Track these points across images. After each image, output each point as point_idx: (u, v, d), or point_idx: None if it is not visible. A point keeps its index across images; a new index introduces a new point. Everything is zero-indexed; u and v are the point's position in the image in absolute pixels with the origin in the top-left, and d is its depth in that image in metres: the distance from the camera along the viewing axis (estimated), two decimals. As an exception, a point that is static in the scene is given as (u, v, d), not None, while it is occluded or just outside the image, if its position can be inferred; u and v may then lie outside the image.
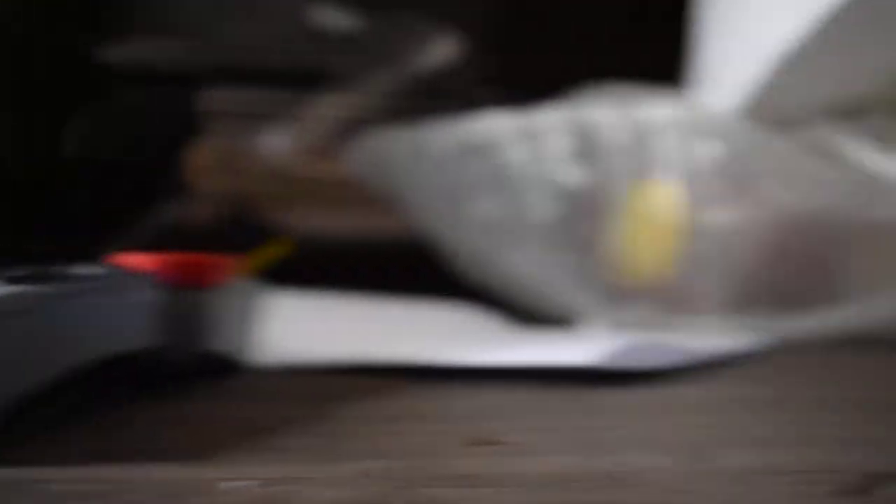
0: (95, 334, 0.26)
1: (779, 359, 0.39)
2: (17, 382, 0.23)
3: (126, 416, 0.26)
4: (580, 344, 0.34)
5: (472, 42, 0.57)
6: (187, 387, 0.29)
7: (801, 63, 0.42)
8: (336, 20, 0.58)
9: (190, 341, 0.30)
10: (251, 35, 0.58)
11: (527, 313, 0.45)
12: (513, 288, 0.45)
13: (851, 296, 0.42)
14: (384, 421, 0.26)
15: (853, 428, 0.26)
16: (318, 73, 0.57)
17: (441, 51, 0.57)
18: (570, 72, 0.51)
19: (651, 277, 0.43)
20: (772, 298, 0.43)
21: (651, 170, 0.43)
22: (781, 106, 0.44)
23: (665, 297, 0.43)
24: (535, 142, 0.44)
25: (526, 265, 0.44)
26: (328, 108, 0.56)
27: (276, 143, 0.56)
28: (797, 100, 0.44)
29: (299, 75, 0.57)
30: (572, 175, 0.44)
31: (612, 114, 0.43)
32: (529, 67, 0.57)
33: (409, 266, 0.48)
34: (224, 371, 0.32)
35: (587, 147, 0.44)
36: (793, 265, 0.43)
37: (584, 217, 0.44)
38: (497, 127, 0.45)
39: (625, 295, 0.43)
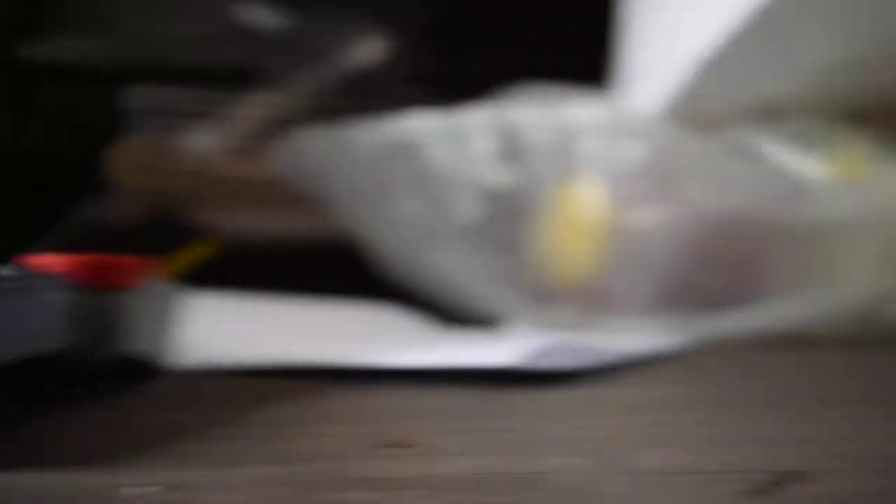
0: (4, 336, 0.25)
1: (698, 359, 0.39)
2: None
3: (27, 420, 0.25)
4: (500, 345, 0.34)
5: (402, 41, 0.57)
6: (99, 390, 0.29)
7: (722, 64, 0.42)
8: (264, 18, 0.58)
9: (104, 344, 0.29)
10: (178, 33, 0.57)
11: (451, 314, 0.44)
12: (437, 288, 0.45)
13: (770, 296, 0.43)
14: (296, 423, 0.26)
15: (764, 427, 0.26)
16: (246, 71, 0.57)
17: (370, 50, 0.57)
18: (499, 72, 0.51)
19: (574, 278, 0.43)
20: (693, 298, 0.43)
21: (575, 170, 0.43)
22: (704, 107, 0.44)
23: (588, 298, 0.43)
24: (459, 142, 0.44)
25: (450, 265, 0.44)
26: (255, 107, 0.56)
27: (202, 142, 0.55)
28: (719, 100, 0.44)
29: (226, 74, 0.57)
30: (497, 175, 0.44)
31: (537, 114, 0.43)
32: (458, 67, 0.57)
33: (335, 266, 0.48)
34: (141, 374, 0.31)
35: (512, 148, 0.43)
36: (714, 265, 0.43)
37: (508, 217, 0.44)
38: (422, 127, 0.45)
39: (548, 295, 0.43)
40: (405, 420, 0.26)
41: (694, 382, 0.34)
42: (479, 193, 0.44)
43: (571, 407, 0.29)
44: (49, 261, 0.28)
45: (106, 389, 0.29)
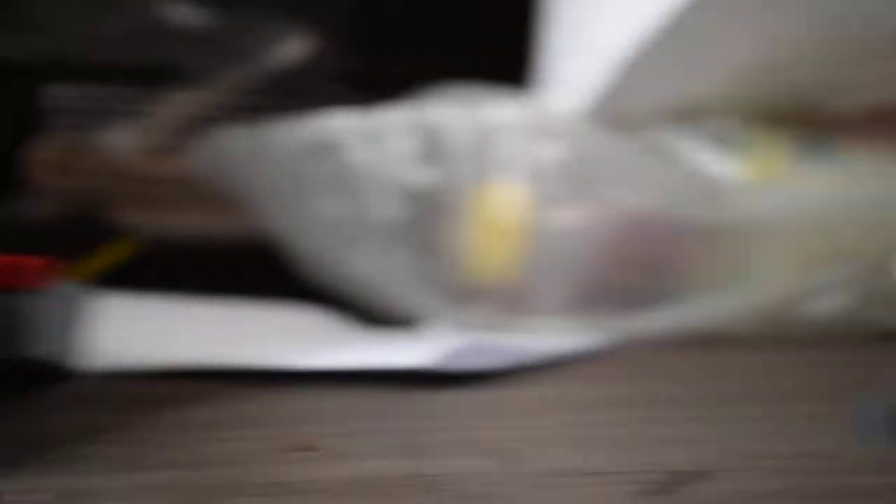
0: None
1: (614, 359, 0.39)
2: None
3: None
4: (415, 346, 0.34)
5: (326, 40, 0.57)
6: (2, 393, 0.28)
7: (641, 65, 0.42)
8: (186, 15, 0.57)
9: (6, 346, 0.29)
10: (98, 29, 0.57)
11: (371, 314, 0.44)
12: (357, 289, 0.45)
13: (687, 295, 0.43)
14: (202, 427, 0.25)
15: (672, 426, 0.27)
16: (167, 69, 0.56)
17: (293, 48, 0.56)
18: (422, 71, 0.51)
19: (494, 278, 0.43)
20: (611, 298, 0.43)
21: (495, 170, 0.43)
22: (624, 107, 0.44)
23: (507, 298, 0.43)
24: (379, 142, 0.44)
25: (370, 266, 0.44)
26: (176, 105, 0.55)
27: (122, 141, 0.54)
28: (639, 101, 0.44)
29: (147, 71, 0.56)
30: (417, 176, 0.44)
31: (457, 114, 0.43)
32: (382, 66, 0.56)
33: (254, 267, 0.48)
34: (49, 377, 0.31)
35: (432, 147, 0.43)
36: (632, 265, 0.43)
37: (428, 218, 0.43)
38: (341, 126, 0.45)
39: (468, 295, 0.43)
40: (312, 423, 0.26)
41: (607, 382, 0.34)
42: (398, 193, 0.44)
43: (480, 408, 0.29)
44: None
45: (9, 393, 0.28)
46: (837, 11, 0.40)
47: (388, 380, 0.31)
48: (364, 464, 0.22)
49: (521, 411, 0.29)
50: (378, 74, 0.54)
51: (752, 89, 0.43)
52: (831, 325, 0.43)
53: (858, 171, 0.43)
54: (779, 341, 0.42)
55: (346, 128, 0.45)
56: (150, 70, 0.56)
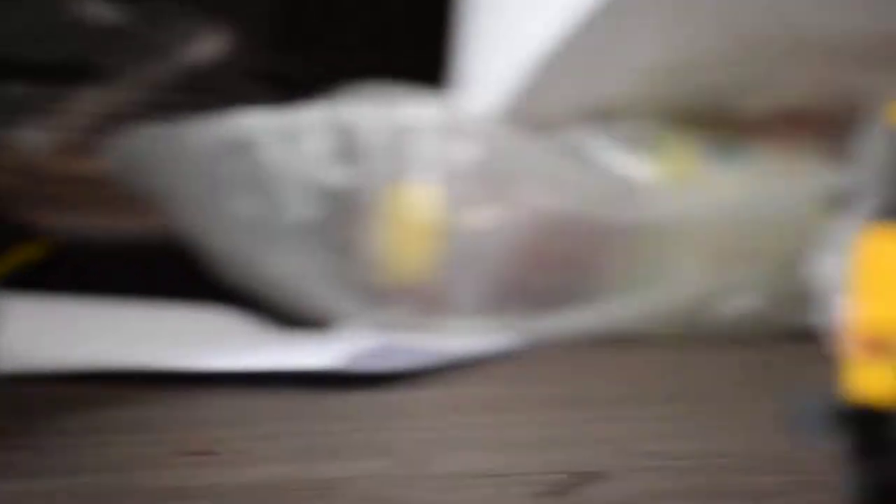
0: None
1: (528, 359, 0.39)
2: None
3: None
4: (324, 348, 0.34)
5: (242, 38, 0.56)
6: None
7: (556, 65, 0.42)
8: (100, 12, 0.56)
9: None
10: (7, 25, 0.56)
11: (286, 315, 0.44)
12: (272, 290, 0.44)
13: (602, 295, 0.43)
14: (99, 432, 0.25)
15: (578, 427, 0.27)
16: (79, 66, 0.55)
17: (209, 46, 0.56)
18: (339, 70, 0.50)
19: (409, 278, 0.43)
20: (526, 298, 0.43)
21: (410, 170, 0.43)
22: (539, 108, 0.44)
23: (423, 299, 0.43)
24: (294, 141, 0.43)
25: (285, 266, 0.44)
26: (89, 103, 0.54)
27: (34, 140, 0.53)
28: (554, 102, 0.44)
29: (59, 68, 0.55)
30: (332, 175, 0.43)
31: (372, 114, 0.43)
32: (299, 65, 0.56)
33: (169, 268, 0.47)
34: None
35: (347, 147, 0.43)
36: (547, 265, 0.43)
37: (342, 217, 0.43)
38: (256, 125, 0.44)
39: (384, 296, 0.43)
40: (217, 427, 0.26)
41: (518, 383, 0.34)
42: (313, 193, 0.43)
43: (388, 410, 0.29)
44: None
45: None
46: (743, 14, 0.40)
47: (297, 382, 0.31)
48: (263, 468, 0.22)
49: (429, 413, 0.29)
50: (295, 73, 0.53)
51: (663, 90, 0.44)
52: (742, 325, 0.44)
53: (767, 171, 0.44)
54: (691, 341, 0.43)
55: (261, 127, 0.44)
56: (63, 67, 0.55)
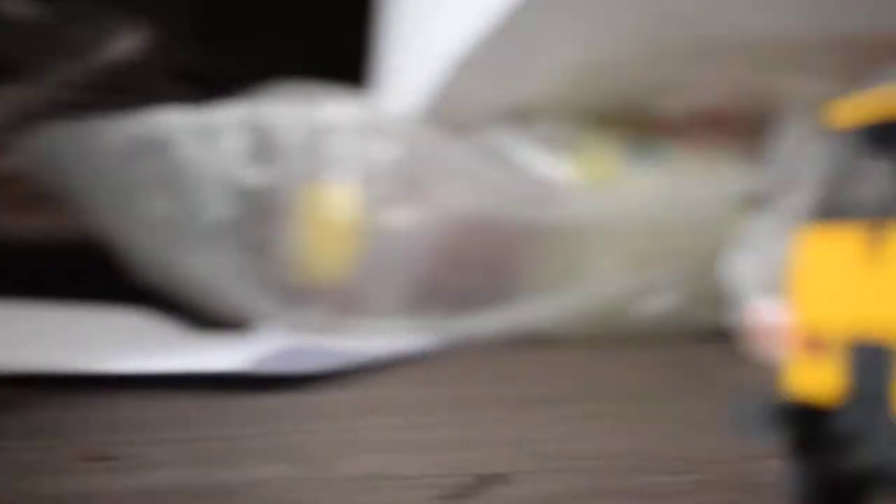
0: None
1: (446, 360, 0.39)
2: None
3: None
4: (233, 349, 0.33)
5: (162, 36, 0.56)
6: None
7: (473, 65, 0.42)
8: (16, 9, 0.55)
9: None
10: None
11: (203, 316, 0.43)
12: (189, 290, 0.44)
13: (521, 296, 0.43)
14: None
15: (487, 428, 0.27)
16: (-5, 62, 0.54)
17: (127, 44, 0.55)
18: (259, 69, 0.50)
19: (327, 279, 0.43)
20: (447, 299, 0.43)
21: (327, 170, 0.43)
22: (457, 107, 0.44)
23: (342, 299, 0.43)
24: (210, 139, 0.43)
25: (201, 267, 0.43)
26: (3, 100, 0.53)
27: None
28: (472, 101, 0.44)
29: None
30: (249, 174, 0.43)
31: (290, 112, 0.43)
32: (219, 63, 0.55)
33: (85, 268, 0.46)
34: None
35: (264, 145, 0.43)
36: (465, 266, 0.43)
37: (260, 217, 0.43)
38: (172, 123, 0.44)
39: (301, 297, 0.43)
40: (114, 431, 0.25)
41: (434, 384, 0.34)
42: (230, 192, 0.43)
43: (296, 412, 0.28)
44: None
45: None
46: (658, 16, 0.41)
47: (211, 385, 0.30)
48: (160, 473, 0.21)
49: (340, 415, 0.29)
50: (213, 71, 0.53)
51: (581, 91, 0.44)
52: (659, 325, 0.44)
53: (684, 171, 0.44)
54: (608, 341, 0.43)
55: (177, 125, 0.44)
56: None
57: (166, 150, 0.43)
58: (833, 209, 0.16)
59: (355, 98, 0.44)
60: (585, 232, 0.43)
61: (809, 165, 0.37)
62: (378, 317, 0.43)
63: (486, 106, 0.44)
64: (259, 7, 0.57)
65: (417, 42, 0.45)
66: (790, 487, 0.16)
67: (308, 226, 0.43)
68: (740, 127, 0.44)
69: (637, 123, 0.45)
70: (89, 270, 0.46)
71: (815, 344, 0.16)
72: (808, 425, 0.16)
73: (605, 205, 0.44)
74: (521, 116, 0.44)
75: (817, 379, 0.16)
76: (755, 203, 0.40)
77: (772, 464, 0.23)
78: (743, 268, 0.38)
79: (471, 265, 0.43)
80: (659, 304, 0.44)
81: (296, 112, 0.43)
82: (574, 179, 0.44)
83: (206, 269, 0.43)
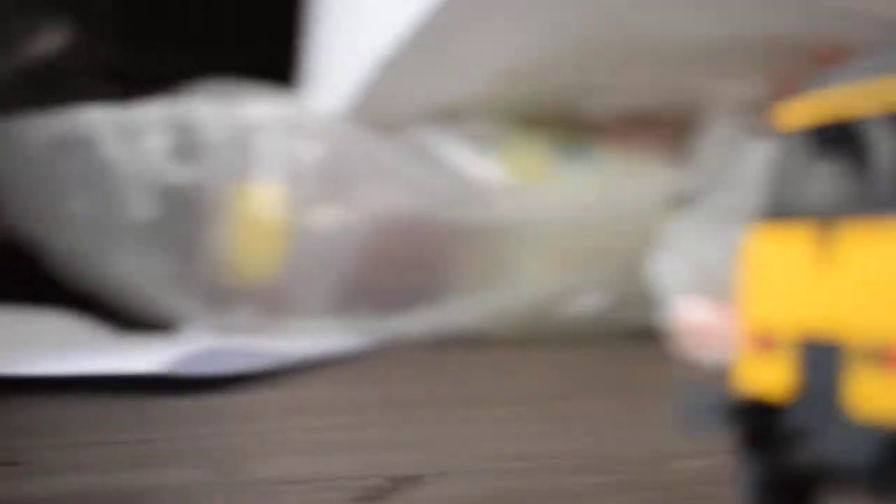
0: None
1: (373, 360, 0.39)
2: None
3: None
4: (150, 351, 0.33)
5: (84, 33, 0.55)
6: None
7: (399, 65, 0.42)
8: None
9: None
10: None
11: (129, 318, 0.43)
12: (113, 291, 0.43)
13: (450, 296, 0.43)
14: None
15: (407, 429, 0.26)
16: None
17: (50, 41, 0.54)
18: (188, 67, 0.49)
19: (255, 280, 0.42)
20: (375, 299, 0.43)
21: (254, 169, 0.42)
22: (384, 107, 0.44)
23: (269, 300, 0.42)
24: (134, 138, 0.42)
25: (126, 267, 0.43)
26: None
27: None
28: (399, 101, 0.44)
29: None
30: (173, 173, 0.42)
31: (215, 111, 0.42)
32: (147, 61, 0.55)
33: (9, 268, 0.45)
34: None
35: (188, 145, 0.42)
36: (393, 266, 0.43)
37: (186, 217, 0.42)
38: (96, 121, 0.43)
39: (229, 298, 0.42)
40: (18, 436, 0.25)
41: (358, 385, 0.34)
42: (154, 191, 0.42)
43: (214, 414, 0.28)
44: None
45: None
46: (584, 18, 0.41)
47: (130, 388, 0.30)
48: (66, 478, 0.21)
49: (262, 417, 0.28)
50: (138, 69, 0.52)
51: (509, 91, 0.44)
52: (589, 325, 0.44)
53: (612, 172, 0.44)
54: (539, 341, 0.43)
55: (100, 123, 0.43)
56: None
57: (89, 148, 0.43)
58: (782, 209, 0.16)
59: (281, 97, 0.44)
60: (513, 232, 0.43)
61: (734, 166, 0.38)
62: (306, 317, 0.42)
63: (414, 105, 0.44)
64: (186, 5, 0.56)
65: (344, 41, 0.45)
66: (742, 483, 0.17)
67: (234, 226, 0.42)
68: (666, 128, 0.44)
69: (565, 124, 0.45)
70: (13, 271, 0.45)
71: (764, 342, 0.16)
72: (758, 422, 0.16)
73: (533, 205, 0.44)
74: (451, 116, 0.44)
75: (767, 376, 0.16)
76: (681, 203, 0.40)
77: (693, 464, 0.23)
78: (668, 268, 0.38)
79: (399, 265, 0.43)
80: (586, 304, 0.44)
81: (220, 111, 0.42)
82: (502, 180, 0.44)
83: (131, 270, 0.43)
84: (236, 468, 0.22)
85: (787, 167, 0.16)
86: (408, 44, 0.41)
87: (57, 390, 0.30)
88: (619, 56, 0.41)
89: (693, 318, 0.37)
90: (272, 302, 0.42)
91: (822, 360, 0.15)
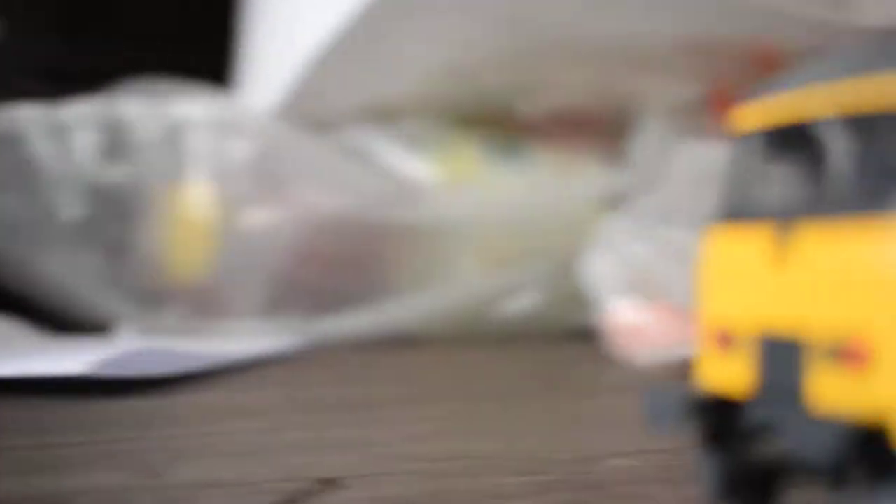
0: None
1: (304, 361, 0.38)
2: None
3: None
4: (75, 353, 0.32)
5: (15, 30, 0.54)
6: None
7: (330, 64, 0.42)
8: None
9: None
10: None
11: (60, 319, 0.42)
12: (43, 291, 0.42)
13: (384, 296, 0.43)
14: None
15: (331, 431, 0.26)
16: None
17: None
18: (121, 65, 0.49)
19: (186, 280, 0.42)
20: (308, 299, 0.42)
21: (184, 168, 0.42)
22: (316, 106, 0.43)
23: (201, 300, 0.42)
24: (63, 136, 0.42)
25: (55, 267, 0.42)
26: None
27: None
28: (331, 100, 0.44)
29: None
30: (103, 172, 0.42)
31: (145, 110, 0.42)
32: (80, 59, 0.54)
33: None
34: None
35: (119, 143, 0.42)
36: (327, 266, 0.43)
37: (116, 216, 0.42)
38: (25, 119, 0.42)
39: (160, 298, 0.42)
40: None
41: (291, 386, 0.33)
42: (84, 190, 0.41)
43: (139, 417, 0.28)
44: None
45: None
46: (518, 18, 0.41)
47: (58, 390, 0.29)
48: (-14, 482, 0.20)
49: (190, 420, 0.28)
50: (73, 68, 0.51)
51: (443, 91, 0.44)
52: (523, 325, 0.44)
53: (546, 172, 0.44)
54: (473, 341, 0.43)
55: (29, 121, 0.42)
56: None
57: (19, 146, 0.42)
58: (739, 210, 0.17)
59: (213, 96, 0.43)
60: (447, 232, 0.43)
61: (667, 166, 0.38)
62: (238, 318, 0.42)
63: (348, 104, 0.44)
64: (120, 3, 0.55)
65: (277, 39, 0.44)
66: (705, 478, 0.17)
67: (165, 226, 0.42)
68: (600, 128, 0.45)
69: (499, 124, 0.45)
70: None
71: (724, 339, 0.17)
72: (720, 418, 0.16)
73: (466, 205, 0.44)
74: (385, 116, 0.44)
75: (728, 373, 0.16)
76: (615, 203, 0.40)
77: (622, 463, 0.23)
78: (601, 267, 0.38)
79: (331, 265, 0.43)
80: (520, 304, 0.44)
81: (151, 109, 0.42)
82: (435, 179, 0.44)
83: (62, 271, 0.42)
84: (160, 472, 0.22)
85: (743, 169, 0.17)
86: (339, 42, 0.41)
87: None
88: (552, 56, 0.41)
89: (626, 317, 0.37)
90: (204, 302, 0.42)
91: (781, 356, 0.16)
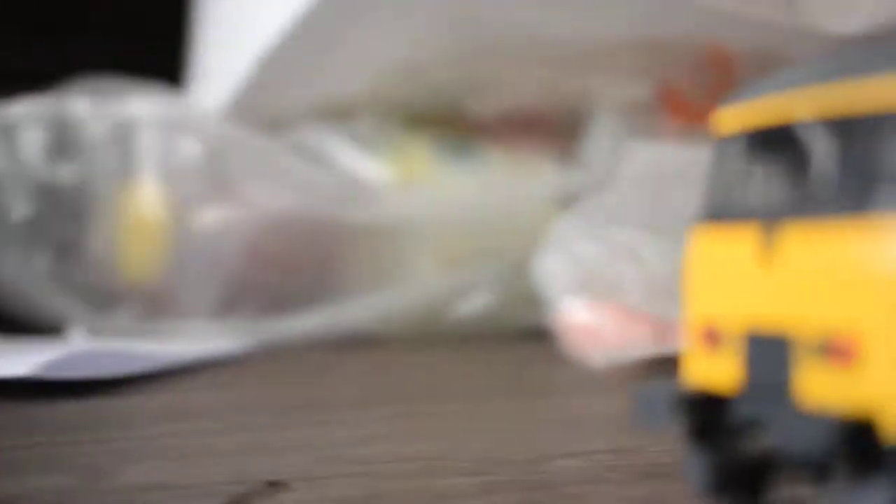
0: None
1: (255, 362, 0.38)
2: None
3: None
4: (21, 355, 0.32)
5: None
6: None
7: (279, 62, 0.42)
8: None
9: None
10: None
11: (7, 320, 0.42)
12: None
13: (336, 297, 0.43)
14: None
15: (281, 433, 0.26)
16: None
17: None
18: (70, 63, 0.48)
19: (137, 280, 0.41)
20: (259, 300, 0.42)
21: (134, 168, 0.41)
22: (266, 105, 0.43)
23: (152, 301, 0.42)
24: (9, 136, 0.41)
25: (3, 268, 0.41)
26: None
27: None
28: (281, 99, 0.43)
29: None
30: (51, 171, 0.41)
31: (94, 108, 0.41)
32: (24, 58, 0.53)
33: None
34: None
35: (67, 142, 0.41)
36: (278, 266, 0.42)
37: (65, 216, 0.41)
38: (-30, 119, 0.42)
39: (111, 299, 0.41)
40: None
41: (236, 388, 0.33)
42: (31, 190, 0.41)
43: (87, 419, 0.27)
44: None
45: None
46: (468, 17, 0.41)
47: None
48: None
49: (136, 421, 0.28)
50: (20, 67, 0.51)
51: (394, 90, 0.44)
52: (477, 325, 0.44)
53: (498, 172, 0.44)
54: (427, 342, 0.43)
55: (-26, 120, 0.42)
56: None
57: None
58: (723, 211, 0.17)
59: (163, 94, 0.43)
60: (399, 232, 0.43)
61: (619, 166, 0.38)
62: (189, 318, 0.41)
63: (298, 103, 0.44)
64: (70, 1, 0.55)
65: (228, 37, 0.44)
66: (693, 474, 0.17)
67: (115, 225, 0.41)
68: (552, 128, 0.45)
69: (451, 124, 0.45)
70: None
71: (711, 337, 0.17)
72: (707, 414, 0.17)
73: (418, 205, 0.43)
74: (336, 115, 0.44)
75: (715, 370, 0.17)
76: (567, 203, 0.40)
77: (574, 464, 0.23)
78: (554, 267, 0.38)
79: (284, 265, 0.42)
80: (474, 304, 0.44)
81: (100, 107, 0.41)
82: (387, 179, 0.44)
83: (11, 271, 0.41)
84: (106, 475, 0.21)
85: (726, 170, 0.17)
86: (289, 40, 0.41)
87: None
88: (503, 55, 0.41)
89: (578, 317, 0.37)
90: (155, 303, 0.41)
91: (768, 353, 0.16)
